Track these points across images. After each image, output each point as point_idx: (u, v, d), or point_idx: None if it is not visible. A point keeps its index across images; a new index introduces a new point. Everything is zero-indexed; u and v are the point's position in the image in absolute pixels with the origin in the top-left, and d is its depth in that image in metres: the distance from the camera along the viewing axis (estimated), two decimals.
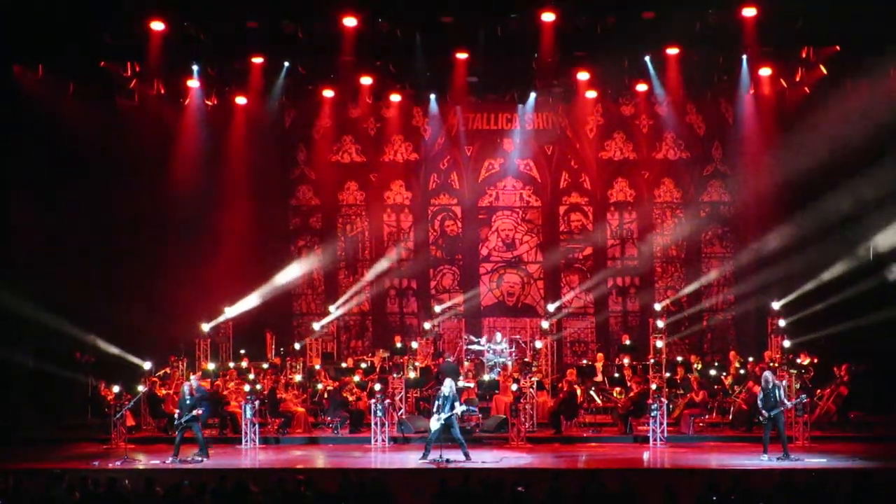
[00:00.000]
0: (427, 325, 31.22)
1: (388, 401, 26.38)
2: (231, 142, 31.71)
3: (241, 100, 30.70)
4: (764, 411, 23.42)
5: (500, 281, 34.57)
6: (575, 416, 27.85)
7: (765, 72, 28.62)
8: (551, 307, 32.47)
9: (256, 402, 26.05)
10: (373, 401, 26.10)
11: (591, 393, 28.24)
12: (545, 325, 30.84)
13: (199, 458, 23.78)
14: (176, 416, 24.41)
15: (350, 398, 27.81)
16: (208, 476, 19.66)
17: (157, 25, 26.11)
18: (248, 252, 32.37)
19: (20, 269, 28.47)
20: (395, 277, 34.59)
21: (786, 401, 23.68)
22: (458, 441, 23.55)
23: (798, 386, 25.17)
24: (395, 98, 31.74)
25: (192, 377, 26.04)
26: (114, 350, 28.80)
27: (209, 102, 30.56)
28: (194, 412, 24.00)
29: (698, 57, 27.98)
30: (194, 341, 30.24)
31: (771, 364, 27.08)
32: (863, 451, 23.97)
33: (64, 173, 29.73)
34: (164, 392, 27.66)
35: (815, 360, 28.19)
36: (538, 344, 29.89)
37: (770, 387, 23.50)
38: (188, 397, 24.15)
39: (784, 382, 24.38)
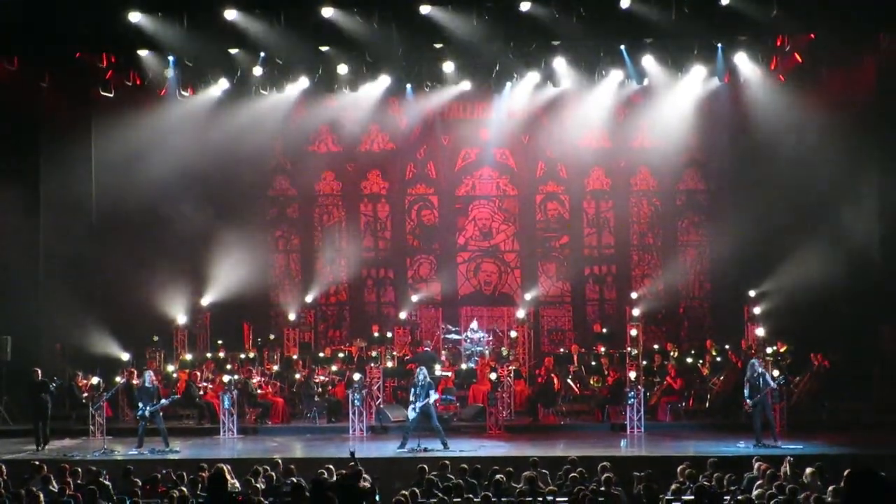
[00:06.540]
0: (402, 315, 31.17)
1: (365, 390, 26.40)
2: (208, 132, 31.42)
3: (217, 90, 30.53)
4: (748, 401, 23.43)
5: (477, 270, 34.57)
6: (552, 405, 27.95)
7: (740, 59, 28.66)
8: (527, 296, 32.55)
9: (234, 392, 26.05)
10: (350, 390, 26.14)
11: (569, 381, 28.33)
12: (521, 314, 30.91)
13: (172, 449, 23.74)
14: (140, 406, 24.43)
15: (318, 389, 27.91)
16: (186, 466, 19.69)
17: (134, 16, 26.02)
18: (226, 242, 32.25)
19: None
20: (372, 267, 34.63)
21: (770, 382, 23.63)
22: (436, 430, 23.60)
23: (777, 373, 25.14)
24: (372, 88, 31.55)
25: (149, 370, 25.78)
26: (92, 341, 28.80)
27: (186, 94, 30.39)
28: (163, 401, 24.09)
29: (674, 45, 28.03)
30: (172, 332, 30.21)
31: (749, 352, 27.21)
32: (839, 438, 24.12)
33: (39, 165, 29.70)
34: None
35: (791, 348, 28.30)
36: (513, 334, 29.96)
37: (756, 375, 23.50)
38: (151, 386, 24.20)
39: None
